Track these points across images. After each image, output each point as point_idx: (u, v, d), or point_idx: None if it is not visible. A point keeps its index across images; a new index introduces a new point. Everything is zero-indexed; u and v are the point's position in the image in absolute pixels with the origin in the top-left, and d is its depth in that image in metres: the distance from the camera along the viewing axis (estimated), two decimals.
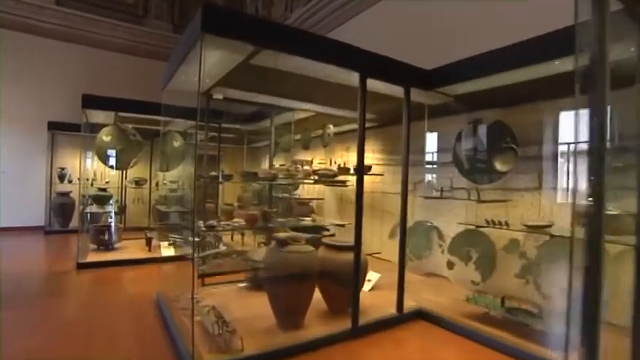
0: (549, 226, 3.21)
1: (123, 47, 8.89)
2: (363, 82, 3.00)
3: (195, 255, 3.17)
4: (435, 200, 4.69)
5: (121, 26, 8.71)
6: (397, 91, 3.51)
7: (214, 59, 2.98)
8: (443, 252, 4.75)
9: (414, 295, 3.68)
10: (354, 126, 5.55)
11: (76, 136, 8.09)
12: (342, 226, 3.31)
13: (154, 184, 8.43)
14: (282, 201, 5.50)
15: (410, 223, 4.48)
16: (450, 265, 4.52)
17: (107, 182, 6.67)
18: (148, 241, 5.65)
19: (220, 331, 2.42)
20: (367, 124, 5.82)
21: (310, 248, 2.95)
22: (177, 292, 3.73)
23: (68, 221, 7.82)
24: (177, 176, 7.79)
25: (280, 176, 3.44)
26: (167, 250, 5.52)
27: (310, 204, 6.08)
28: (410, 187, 3.92)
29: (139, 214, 8.45)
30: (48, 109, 7.89)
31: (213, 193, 10.38)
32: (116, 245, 5.73)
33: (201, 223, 3.22)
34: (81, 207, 6.02)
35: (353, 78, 3.14)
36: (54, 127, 7.64)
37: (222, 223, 2.78)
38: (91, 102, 4.96)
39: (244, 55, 2.78)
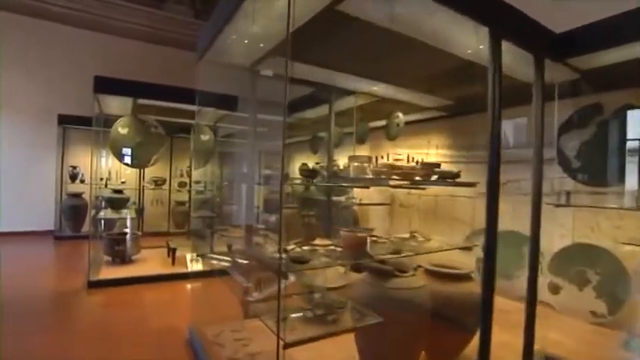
0: None
1: (140, 34, 8.09)
2: (496, 43, 1.98)
3: (255, 295, 2.27)
4: (525, 205, 3.73)
5: (138, 10, 7.89)
6: (515, 62, 2.53)
7: (279, 10, 2.09)
8: (541, 271, 3.78)
9: (517, 329, 2.71)
10: (426, 115, 4.65)
11: (89, 132, 7.32)
12: (469, 249, 2.37)
13: (175, 184, 7.60)
14: (336, 207, 4.60)
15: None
16: (555, 290, 3.55)
17: (123, 182, 5.84)
18: (172, 253, 4.79)
19: None
20: (429, 115, 4.91)
21: (421, 282, 2.02)
22: (215, 327, 2.85)
23: (80, 225, 7.04)
24: (200, 175, 6.97)
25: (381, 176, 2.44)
26: (195, 264, 4.65)
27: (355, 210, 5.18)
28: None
29: (157, 218, 7.64)
30: (58, 102, 7.12)
31: (233, 195, 9.58)
32: (134, 257, 4.88)
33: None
34: (93, 211, 5.19)
35: (468, 40, 2.21)
36: (65, 120, 6.86)
37: (304, 247, 1.89)
38: (105, 85, 4.12)
39: None
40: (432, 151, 4.90)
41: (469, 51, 2.46)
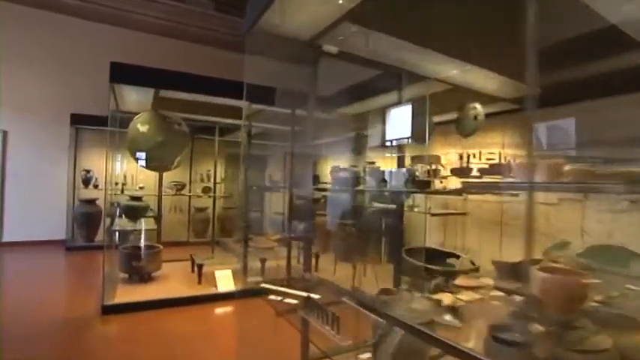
0: None
1: (158, 28, 7.54)
2: None
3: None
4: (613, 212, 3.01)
5: (157, 3, 7.34)
6: None
7: None
8: None
9: None
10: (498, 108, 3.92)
11: (104, 133, 6.77)
12: None
13: (196, 189, 6.98)
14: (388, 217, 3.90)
15: (582, 245, 2.79)
16: None
17: (141, 188, 5.22)
18: (198, 270, 4.14)
19: None
20: (493, 109, 4.19)
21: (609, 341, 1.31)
22: None
23: (93, 235, 6.46)
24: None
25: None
26: (225, 282, 3.99)
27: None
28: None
29: (176, 227, 7.02)
30: (71, 100, 6.58)
31: (257, 200, 8.93)
32: (154, 274, 4.24)
33: None
34: (108, 220, 4.58)
35: None
36: (78, 120, 6.31)
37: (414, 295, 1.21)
38: (123, 74, 3.51)
39: None
40: (494, 150, 4.18)
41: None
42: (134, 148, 3.93)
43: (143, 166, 4.05)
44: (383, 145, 3.66)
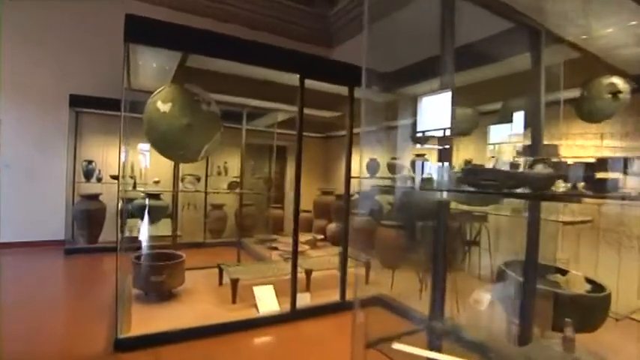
0: None
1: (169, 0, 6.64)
2: None
3: None
4: None
5: None
6: None
7: None
8: None
9: None
10: None
11: (108, 118, 5.91)
12: None
13: (218, 183, 6.14)
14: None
15: None
16: None
17: (157, 182, 4.36)
18: (232, 286, 3.30)
19: None
20: None
21: None
22: None
23: (97, 235, 5.63)
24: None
25: None
26: (267, 302, 3.17)
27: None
28: None
29: (190, 226, 6.18)
30: (70, 79, 5.70)
31: (278, 196, 8.08)
32: (175, 289, 3.42)
33: None
34: (119, 221, 3.73)
35: None
36: (78, 102, 5.42)
37: None
38: (142, 30, 2.64)
39: None
40: (595, 142, 3.36)
41: None
42: (152, 132, 3.07)
43: (169, 155, 3.18)
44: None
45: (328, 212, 7.06)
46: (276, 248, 5.54)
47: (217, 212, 6.41)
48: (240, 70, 3.30)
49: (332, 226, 6.46)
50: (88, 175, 5.67)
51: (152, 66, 3.20)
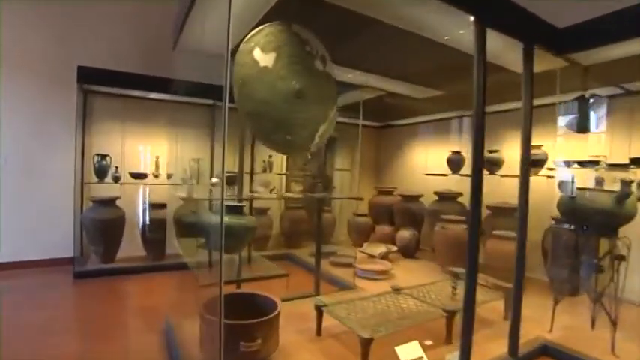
0: None
1: None
2: None
3: None
4: None
5: None
6: None
7: None
8: None
9: None
10: None
11: (128, 100, 4.61)
12: None
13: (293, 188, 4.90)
14: None
15: None
16: None
17: (214, 184, 3.08)
18: (364, 348, 2.05)
19: None
20: None
21: None
22: None
23: (114, 251, 4.36)
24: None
25: None
26: None
27: None
28: None
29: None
30: (78, 51, 4.37)
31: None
32: (269, 356, 2.16)
33: None
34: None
35: None
36: (89, 77, 4.10)
37: None
38: None
39: None
40: None
41: None
42: (246, 100, 1.80)
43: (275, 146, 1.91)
44: None
45: (389, 216, 5.85)
46: (350, 265, 4.31)
47: (261, 219, 5.15)
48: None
49: (404, 234, 5.23)
50: (101, 173, 4.36)
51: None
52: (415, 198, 5.66)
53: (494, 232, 4.12)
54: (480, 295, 2.53)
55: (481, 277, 2.99)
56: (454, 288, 3.03)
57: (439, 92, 4.03)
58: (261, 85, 1.82)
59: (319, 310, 2.60)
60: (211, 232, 2.15)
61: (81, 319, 3.10)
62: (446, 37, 2.41)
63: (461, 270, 2.92)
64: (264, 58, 1.82)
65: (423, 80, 3.73)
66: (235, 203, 2.19)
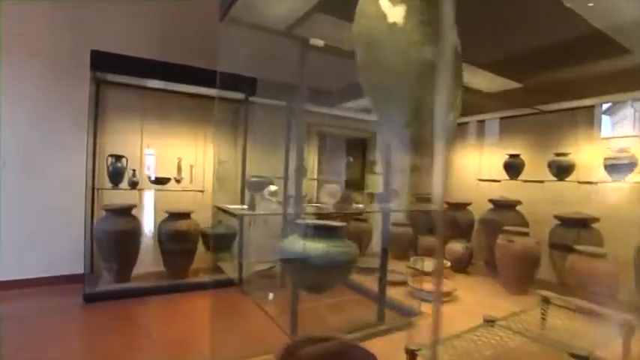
0: None
1: None
2: None
3: None
4: None
5: None
6: None
7: None
8: None
9: None
10: None
11: (146, 92, 4.02)
12: None
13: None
14: None
15: None
16: None
17: (274, 193, 2.47)
18: None
19: None
20: None
21: None
22: None
23: (129, 268, 3.75)
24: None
25: None
26: None
27: None
28: None
29: (261, 250, 4.30)
30: (90, 35, 3.78)
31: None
32: None
33: None
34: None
35: None
36: (104, 63, 3.48)
37: None
38: None
39: None
40: None
41: None
42: (372, 69, 1.21)
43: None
44: None
45: (432, 225, 5.25)
46: (403, 284, 3.72)
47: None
48: None
49: (456, 248, 4.63)
50: (116, 176, 3.76)
51: None
52: (463, 206, 5.09)
53: (577, 247, 3.53)
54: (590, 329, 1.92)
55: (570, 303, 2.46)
56: (544, 317, 2.50)
57: (516, 85, 3.44)
58: (392, 49, 1.22)
59: (412, 355, 1.99)
60: (297, 263, 1.54)
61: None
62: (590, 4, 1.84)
63: (552, 294, 2.42)
64: (392, 12, 1.23)
65: (502, 68, 3.14)
66: (325, 221, 1.58)
